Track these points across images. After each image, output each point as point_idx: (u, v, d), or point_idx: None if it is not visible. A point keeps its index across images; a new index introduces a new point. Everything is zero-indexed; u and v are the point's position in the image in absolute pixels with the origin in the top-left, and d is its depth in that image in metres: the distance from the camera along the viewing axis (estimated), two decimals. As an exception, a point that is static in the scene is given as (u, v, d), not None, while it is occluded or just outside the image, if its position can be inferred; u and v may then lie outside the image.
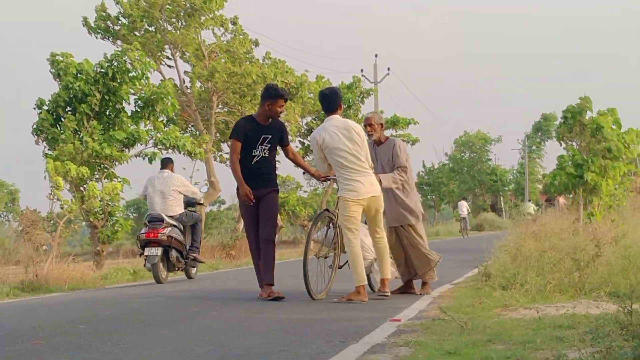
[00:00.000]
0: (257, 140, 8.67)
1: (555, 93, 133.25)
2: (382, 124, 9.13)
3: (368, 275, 8.85)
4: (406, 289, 9.23)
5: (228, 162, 9.20)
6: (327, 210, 8.98)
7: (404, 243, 9.03)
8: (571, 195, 22.25)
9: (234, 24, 23.01)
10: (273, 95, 8.69)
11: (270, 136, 8.75)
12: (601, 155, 19.22)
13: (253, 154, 8.65)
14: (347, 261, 8.76)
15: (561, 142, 21.24)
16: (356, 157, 8.10)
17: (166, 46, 22.68)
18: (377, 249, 8.43)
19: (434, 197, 68.94)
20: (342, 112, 8.64)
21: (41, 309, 8.43)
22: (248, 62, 22.54)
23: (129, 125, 17.36)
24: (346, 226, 8.13)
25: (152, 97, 17.57)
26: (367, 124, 9.09)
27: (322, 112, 9.00)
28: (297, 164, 9.38)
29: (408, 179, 9.06)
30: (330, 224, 8.82)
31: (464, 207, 42.01)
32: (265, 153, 8.74)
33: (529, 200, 33.83)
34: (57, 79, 17.31)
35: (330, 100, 8.41)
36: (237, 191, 8.72)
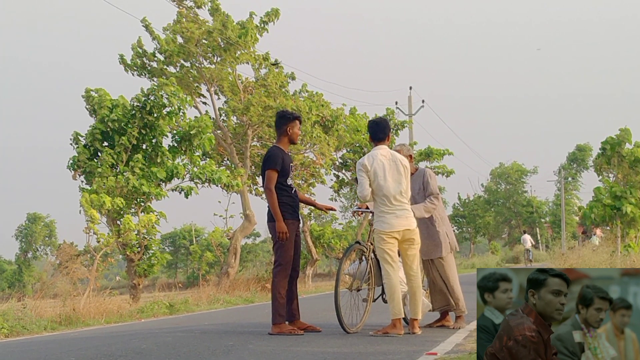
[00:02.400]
0: (289, 169, 8.54)
1: (589, 124, 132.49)
2: (411, 156, 9.06)
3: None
4: (442, 322, 9.16)
5: (264, 195, 9.06)
6: (357, 242, 8.79)
7: (438, 274, 8.97)
8: (608, 227, 22.04)
9: (266, 59, 23.11)
10: (290, 118, 8.63)
11: (292, 164, 8.70)
12: (639, 187, 19.05)
13: (289, 183, 8.50)
14: (380, 294, 8.72)
15: (599, 173, 21.11)
16: (398, 191, 8.07)
17: (202, 81, 22.90)
18: (409, 286, 8.31)
19: (469, 229, 68.55)
20: (390, 142, 8.60)
21: (79, 343, 8.48)
22: (283, 96, 22.58)
23: (169, 160, 17.55)
24: (384, 259, 8.08)
25: (190, 132, 17.74)
26: None
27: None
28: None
29: (438, 208, 9.01)
30: (363, 257, 8.77)
31: (528, 240, 44.93)
32: (293, 181, 8.68)
33: (594, 234, 34.48)
34: (93, 115, 17.57)
35: (381, 129, 8.34)
36: (269, 224, 8.47)
